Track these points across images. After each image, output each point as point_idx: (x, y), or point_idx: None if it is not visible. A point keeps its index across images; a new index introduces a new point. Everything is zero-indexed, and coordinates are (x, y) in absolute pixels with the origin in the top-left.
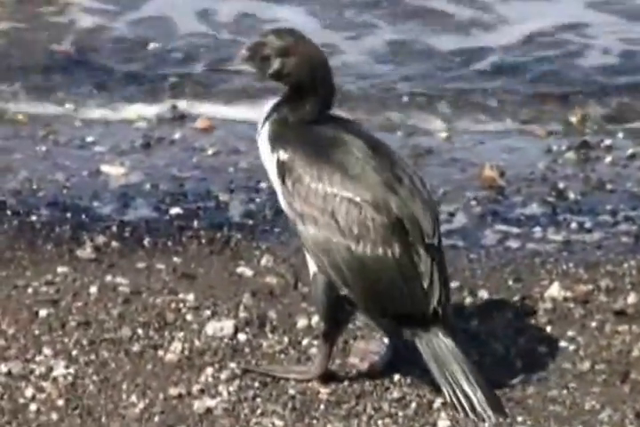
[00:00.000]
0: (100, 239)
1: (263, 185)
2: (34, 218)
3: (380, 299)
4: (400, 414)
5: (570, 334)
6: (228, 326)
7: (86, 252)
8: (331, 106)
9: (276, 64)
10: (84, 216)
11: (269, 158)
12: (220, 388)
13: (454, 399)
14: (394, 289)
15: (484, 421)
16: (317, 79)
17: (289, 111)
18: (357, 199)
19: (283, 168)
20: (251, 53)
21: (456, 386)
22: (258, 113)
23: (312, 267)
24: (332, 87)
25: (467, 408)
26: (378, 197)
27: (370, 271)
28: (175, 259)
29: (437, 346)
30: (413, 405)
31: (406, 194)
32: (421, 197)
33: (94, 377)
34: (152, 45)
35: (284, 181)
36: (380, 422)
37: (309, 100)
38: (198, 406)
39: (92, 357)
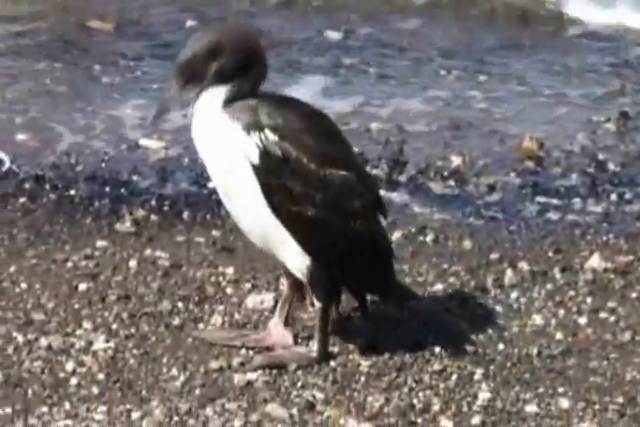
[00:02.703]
0: (140, 213)
1: None
2: (73, 192)
3: (366, 270)
4: (441, 385)
5: (610, 305)
6: (268, 298)
7: (125, 225)
8: (264, 79)
9: (212, 68)
10: (123, 190)
11: (242, 141)
12: None
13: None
14: (381, 260)
15: None
16: (254, 59)
17: (234, 92)
18: (350, 176)
19: (271, 150)
20: (184, 77)
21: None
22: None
23: (302, 260)
24: (266, 61)
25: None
26: (361, 172)
27: (364, 244)
28: (214, 232)
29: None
30: (454, 377)
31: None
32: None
33: (134, 351)
34: (189, 23)
35: (274, 162)
36: (420, 394)
37: (247, 78)
38: (239, 379)
39: (132, 330)
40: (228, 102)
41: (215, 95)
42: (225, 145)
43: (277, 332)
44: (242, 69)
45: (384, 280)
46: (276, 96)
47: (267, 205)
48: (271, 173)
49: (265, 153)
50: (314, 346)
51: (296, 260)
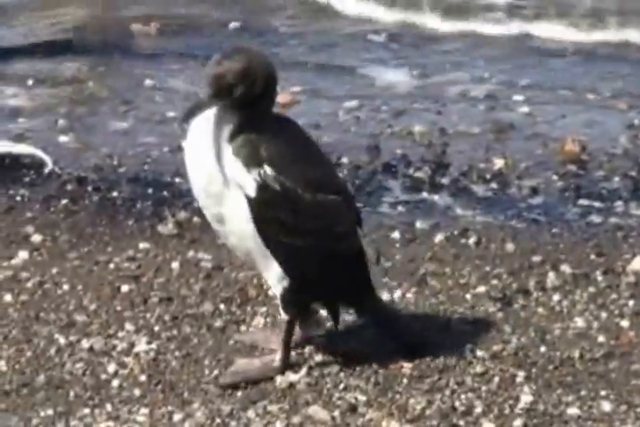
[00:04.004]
0: (182, 215)
1: (345, 160)
2: (115, 194)
3: (345, 285)
4: (483, 388)
5: None
6: None
7: (168, 227)
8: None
9: (240, 90)
10: (165, 192)
11: (241, 177)
12: (303, 363)
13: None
14: (360, 274)
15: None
16: (271, 89)
17: (243, 121)
18: (339, 199)
19: (269, 184)
20: (215, 89)
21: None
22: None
23: (281, 280)
24: (276, 89)
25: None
26: (345, 191)
27: (347, 264)
28: None
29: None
30: (496, 379)
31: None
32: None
33: (176, 353)
34: (232, 25)
35: (271, 195)
36: (462, 396)
37: (261, 105)
38: (281, 381)
39: (175, 332)
40: (235, 134)
41: (225, 122)
42: (221, 174)
43: None
44: (258, 97)
45: (361, 293)
46: (275, 125)
47: (257, 235)
48: (267, 206)
49: (263, 187)
50: (277, 356)
51: (276, 280)
